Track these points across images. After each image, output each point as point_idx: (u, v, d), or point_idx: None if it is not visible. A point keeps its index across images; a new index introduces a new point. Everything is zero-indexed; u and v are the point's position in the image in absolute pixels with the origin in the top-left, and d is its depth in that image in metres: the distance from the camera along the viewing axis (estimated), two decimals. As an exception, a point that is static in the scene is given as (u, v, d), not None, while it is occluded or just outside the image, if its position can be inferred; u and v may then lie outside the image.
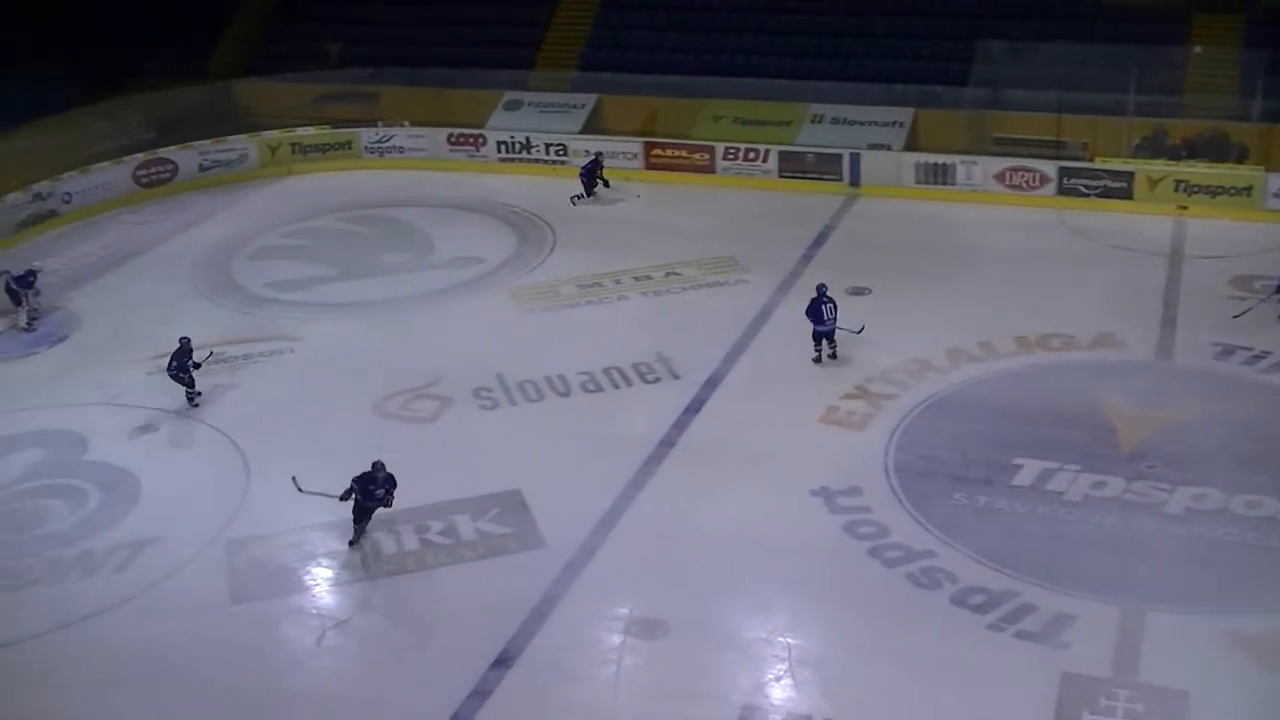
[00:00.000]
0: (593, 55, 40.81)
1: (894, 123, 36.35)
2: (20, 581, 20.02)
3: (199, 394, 24.85)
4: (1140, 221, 32.28)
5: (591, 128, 38.57)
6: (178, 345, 24.66)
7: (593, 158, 35.73)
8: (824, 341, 25.39)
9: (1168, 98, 35.17)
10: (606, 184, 35.30)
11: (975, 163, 34.58)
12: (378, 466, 20.06)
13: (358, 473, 20.12)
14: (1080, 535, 20.03)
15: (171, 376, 24.59)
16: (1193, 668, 17.08)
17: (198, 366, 24.79)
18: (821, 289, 25.51)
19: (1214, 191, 32.92)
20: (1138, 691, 16.68)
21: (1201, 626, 17.94)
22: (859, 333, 25.50)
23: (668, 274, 30.01)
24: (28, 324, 28.83)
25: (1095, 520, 20.40)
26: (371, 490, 20.00)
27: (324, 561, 20.11)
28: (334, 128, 39.93)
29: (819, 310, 25.23)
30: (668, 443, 22.88)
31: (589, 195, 35.08)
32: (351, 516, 20.22)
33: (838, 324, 25.24)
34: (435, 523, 20.71)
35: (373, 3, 43.37)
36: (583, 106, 39.11)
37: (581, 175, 35.28)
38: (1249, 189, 32.68)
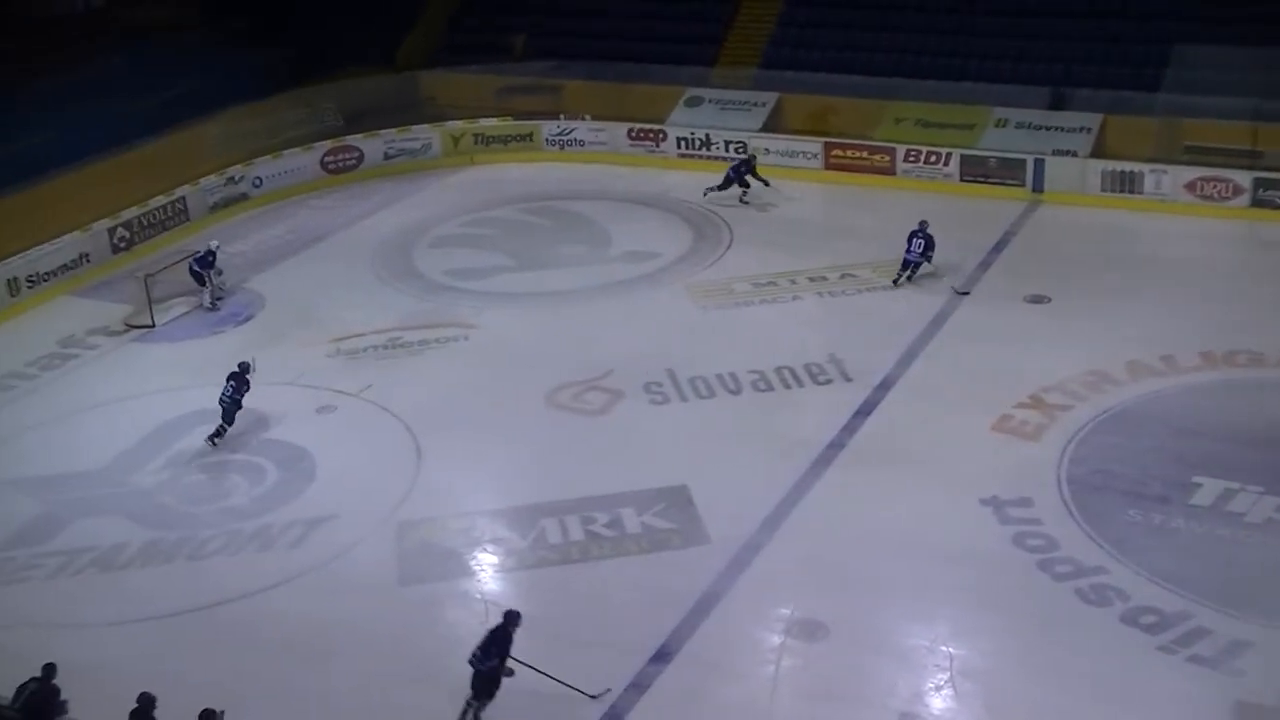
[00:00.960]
0: (775, 53, 40.63)
1: (1081, 128, 35.54)
2: (202, 553, 20.69)
3: (223, 431, 23.74)
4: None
5: (772, 126, 38.44)
6: (236, 369, 24.02)
7: (745, 156, 35.47)
8: (906, 269, 28.70)
9: None
10: (766, 183, 34.87)
11: (1165, 171, 33.62)
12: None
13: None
14: (1260, 559, 19.39)
15: (220, 403, 23.78)
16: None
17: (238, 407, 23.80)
18: (922, 224, 28.96)
19: None
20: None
21: (1387, 660, 17.29)
22: (962, 293, 27.88)
23: (843, 275, 29.79)
24: (212, 304, 29.74)
25: (1277, 545, 19.73)
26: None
27: (490, 547, 20.40)
28: (516, 119, 40.45)
29: (909, 240, 28.72)
30: (837, 445, 22.72)
31: (744, 191, 34.75)
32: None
33: (922, 258, 28.77)
34: (601, 514, 20.86)
35: (560, -3, 43.89)
36: (764, 105, 38.97)
37: (730, 171, 34.83)
38: None
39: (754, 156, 35.44)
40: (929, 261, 28.97)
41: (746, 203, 34.64)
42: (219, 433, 23.63)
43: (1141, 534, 19.99)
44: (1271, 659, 17.23)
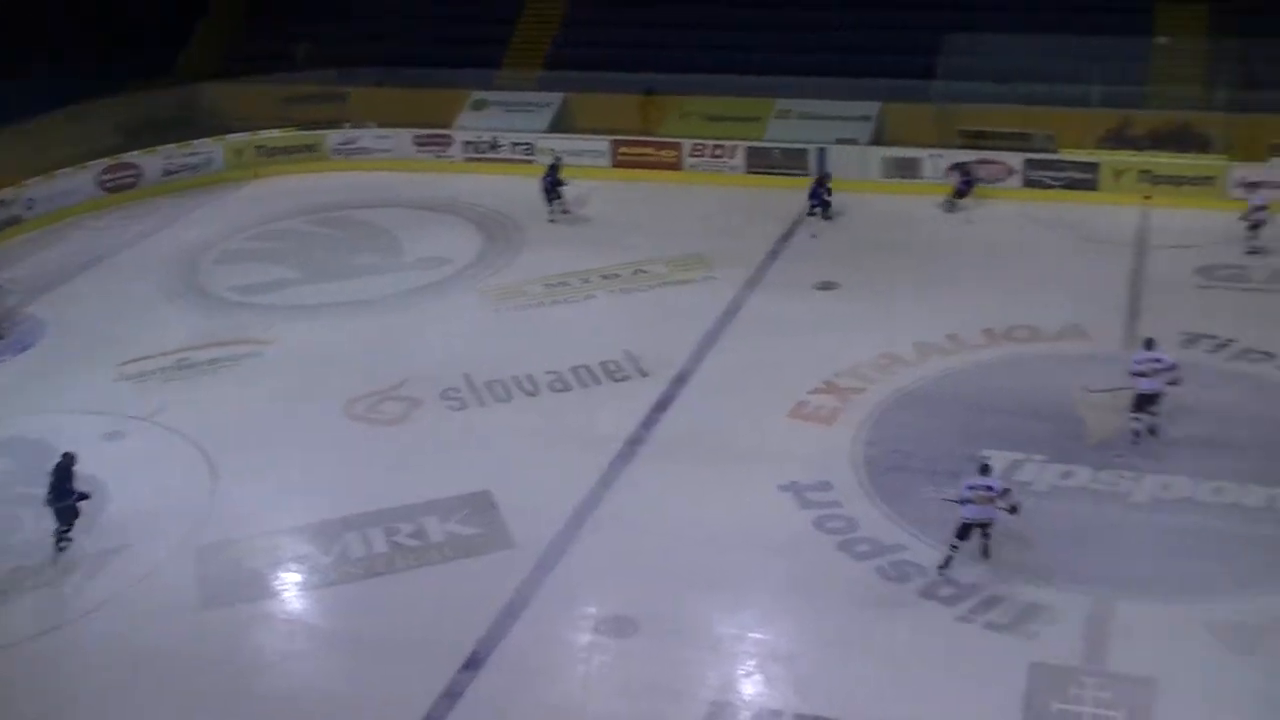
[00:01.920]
0: (560, 54, 40.76)
1: (861, 117, 36.45)
2: (-11, 591, 19.93)
3: (68, 538, 20.41)
4: (1105, 213, 32.42)
5: (559, 126, 38.56)
6: (58, 461, 20.51)
7: (551, 163, 34.73)
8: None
9: (1132, 88, 35.47)
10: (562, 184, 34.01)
11: (941, 156, 34.70)
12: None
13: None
14: (1048, 526, 20.07)
15: (48, 504, 20.34)
16: (1161, 655, 17.13)
17: (83, 498, 20.50)
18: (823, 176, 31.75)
19: (1178, 182, 33.14)
20: (1106, 680, 16.73)
21: (1169, 614, 18.00)
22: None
23: (636, 272, 30.03)
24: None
25: (1063, 510, 20.49)
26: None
27: (293, 566, 20.01)
28: (301, 130, 39.85)
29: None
30: (636, 440, 22.87)
31: (554, 202, 33.91)
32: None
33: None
34: (404, 525, 20.63)
35: (340, 3, 43.23)
36: (550, 105, 39.11)
37: (544, 182, 33.99)
38: (1212, 179, 32.88)
39: (559, 162, 34.67)
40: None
41: (566, 212, 33.95)
42: (60, 536, 20.40)
43: (937, 510, 20.45)
44: (1061, 619, 17.85)
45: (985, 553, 19.07)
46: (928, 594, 18.55)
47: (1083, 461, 21.60)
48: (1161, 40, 36.33)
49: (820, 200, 32.71)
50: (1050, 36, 35.98)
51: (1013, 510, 18.97)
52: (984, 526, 18.99)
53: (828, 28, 38.72)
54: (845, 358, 25.15)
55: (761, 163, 36.08)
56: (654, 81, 38.10)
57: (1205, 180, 32.97)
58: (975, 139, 35.20)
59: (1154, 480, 21.03)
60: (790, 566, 19.36)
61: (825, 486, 21.19)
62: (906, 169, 34.82)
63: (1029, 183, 34.08)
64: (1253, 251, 29.81)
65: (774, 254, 30.76)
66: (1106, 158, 34.01)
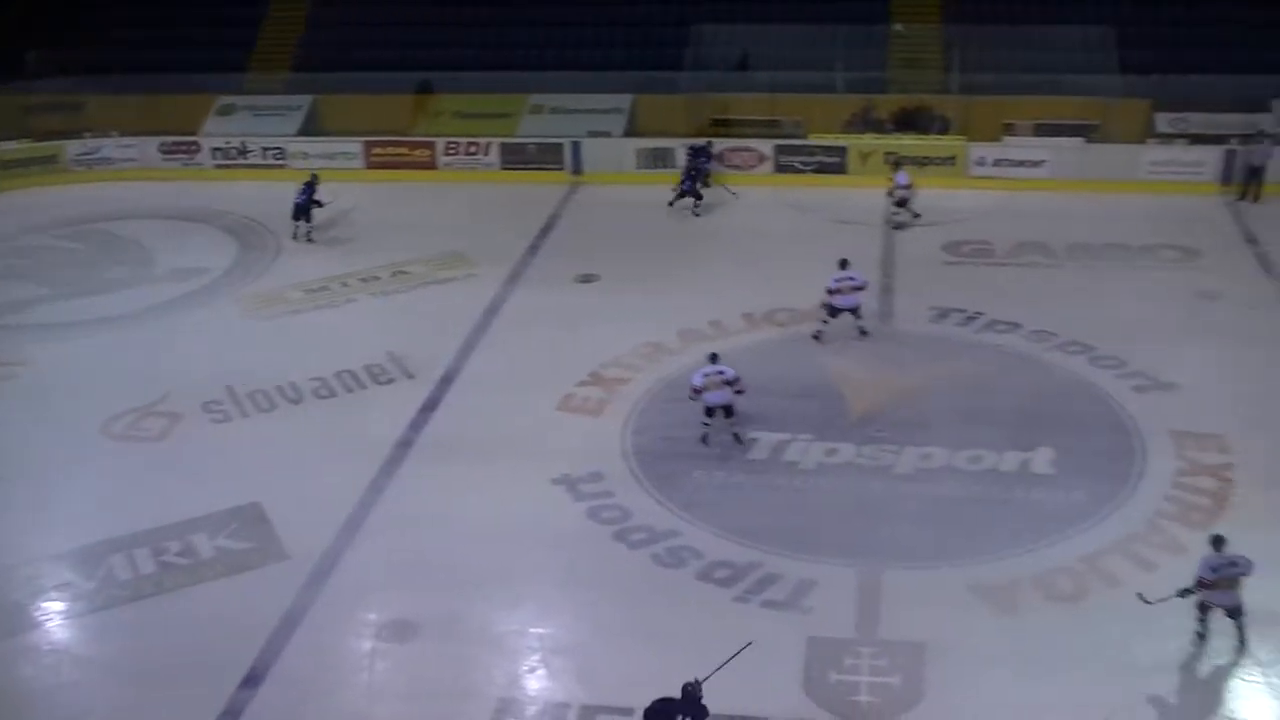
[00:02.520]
0: (307, 55, 40.05)
1: (613, 109, 36.75)
2: None
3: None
4: (855, 194, 33.35)
5: (309, 129, 37.92)
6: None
7: (306, 182, 32.51)
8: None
9: (874, 74, 36.61)
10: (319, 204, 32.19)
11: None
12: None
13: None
14: (817, 502, 20.65)
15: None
16: (931, 620, 17.77)
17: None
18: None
19: (922, 162, 34.25)
20: (880, 648, 17.27)
21: (936, 580, 18.68)
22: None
23: (395, 273, 29.74)
24: None
25: (830, 487, 21.08)
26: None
27: (54, 594, 19.25)
28: (37, 141, 38.31)
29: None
30: (406, 443, 22.68)
31: (301, 223, 32.05)
32: None
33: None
34: (172, 543, 20.06)
35: (74, 7, 41.60)
36: (299, 108, 38.42)
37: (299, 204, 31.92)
38: (953, 158, 34.16)
39: (315, 180, 32.88)
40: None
41: (311, 240, 32.24)
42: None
43: (708, 493, 20.89)
44: (834, 593, 18.37)
45: (738, 439, 21.79)
46: (704, 577, 18.87)
47: (847, 438, 22.22)
48: (898, 27, 37.59)
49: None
50: (794, 26, 36.86)
51: (739, 392, 21.62)
52: (726, 409, 21.67)
53: (579, 23, 38.89)
54: (610, 349, 25.37)
55: (516, 159, 36.08)
56: (412, 80, 37.73)
57: (947, 160, 34.21)
58: (727, 127, 35.83)
59: (914, 452, 21.76)
60: (567, 559, 19.47)
61: (597, 477, 21.35)
62: (660, 159, 35.20)
63: (780, 168, 34.86)
64: (897, 226, 31.44)
65: (533, 249, 30.83)
66: (853, 141, 35.03)
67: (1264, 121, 34.08)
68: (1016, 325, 26.08)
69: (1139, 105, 35.14)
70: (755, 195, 33.75)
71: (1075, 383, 23.99)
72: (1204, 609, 17.19)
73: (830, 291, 25.09)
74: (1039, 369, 24.62)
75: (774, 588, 18.56)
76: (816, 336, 25.37)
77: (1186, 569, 18.01)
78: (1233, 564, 16.94)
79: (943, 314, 26.65)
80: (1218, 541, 17.28)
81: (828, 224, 31.40)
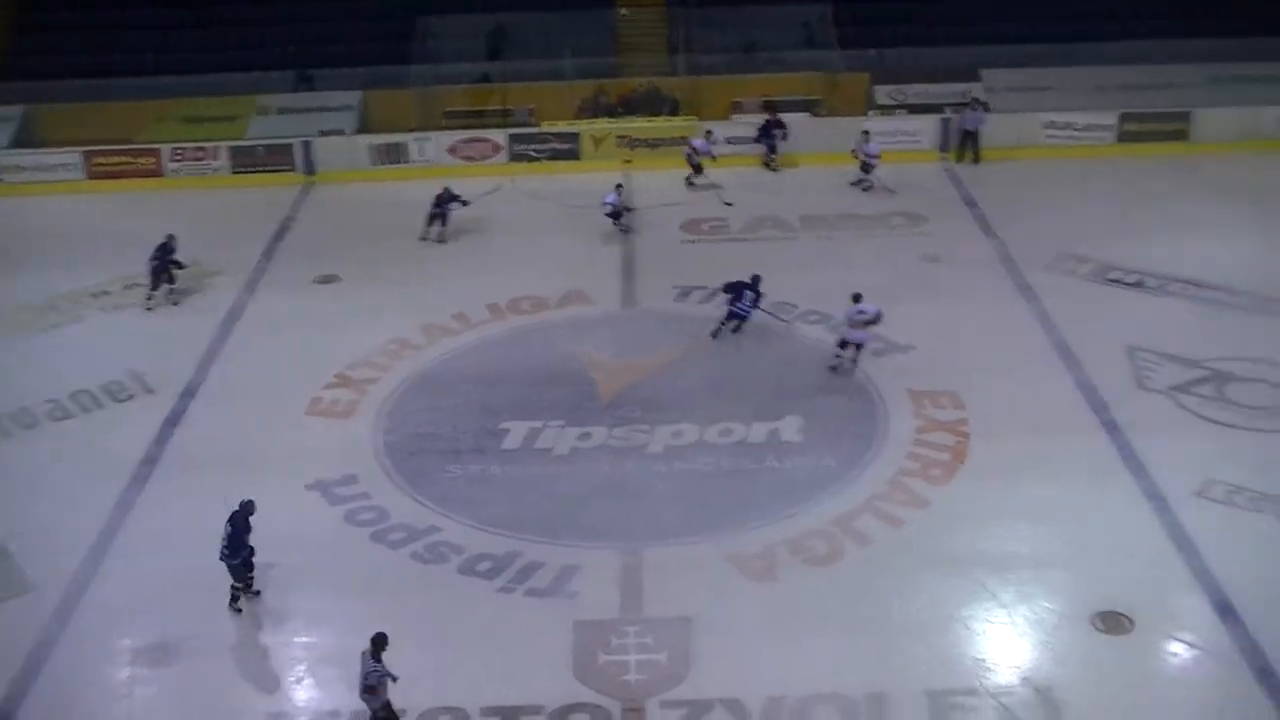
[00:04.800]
0: (17, 64, 38.15)
1: (344, 107, 36.18)
2: None
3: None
4: (591, 179, 33.49)
5: (22, 141, 36.21)
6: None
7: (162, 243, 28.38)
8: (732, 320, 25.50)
9: (602, 59, 36.89)
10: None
11: (428, 139, 34.94)
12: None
13: None
14: (574, 488, 20.78)
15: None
16: (693, 593, 18.13)
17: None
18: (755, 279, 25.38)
19: (654, 144, 34.66)
20: (646, 625, 17.53)
21: (696, 554, 19.04)
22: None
23: (127, 286, 28.53)
24: None
25: (586, 471, 21.24)
26: None
27: None
28: None
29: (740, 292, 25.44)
30: (151, 460, 21.97)
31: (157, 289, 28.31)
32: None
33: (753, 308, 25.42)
34: (-96, 585, 19.10)
35: None
36: (9, 120, 36.59)
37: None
38: (684, 138, 34.56)
39: (172, 241, 28.49)
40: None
41: (176, 303, 28.33)
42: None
43: (464, 487, 20.83)
44: (596, 575, 18.60)
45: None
46: (467, 571, 18.85)
47: (598, 421, 22.41)
48: (624, 12, 37.96)
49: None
50: (522, 14, 36.87)
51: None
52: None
53: (309, 19, 38.06)
54: (355, 349, 25.03)
55: (246, 162, 35.15)
56: (127, 87, 36.35)
57: (679, 141, 34.66)
58: (459, 119, 35.68)
59: (666, 430, 22.07)
60: (328, 565, 19.19)
61: (351, 480, 21.09)
62: (395, 155, 34.81)
63: (515, 157, 34.82)
64: (867, 188, 32.43)
65: (269, 253, 30.14)
66: (585, 127, 35.23)
67: (976, 89, 35.58)
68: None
69: (859, 79, 36.27)
70: (491, 185, 33.58)
71: (817, 351, 24.63)
72: (843, 345, 23.07)
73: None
74: (781, 339, 25.23)
75: (537, 575, 18.65)
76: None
77: (931, 522, 18.86)
78: (861, 312, 23.18)
79: (685, 292, 27.06)
80: (857, 298, 23.49)
81: (566, 210, 31.48)
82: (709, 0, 37.45)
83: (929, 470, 20.92)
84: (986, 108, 34.75)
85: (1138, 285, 27.07)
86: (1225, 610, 17.54)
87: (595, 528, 19.71)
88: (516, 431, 22.12)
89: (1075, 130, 35.06)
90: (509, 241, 30.03)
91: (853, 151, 32.68)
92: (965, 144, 34.37)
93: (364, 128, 35.88)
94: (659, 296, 27.09)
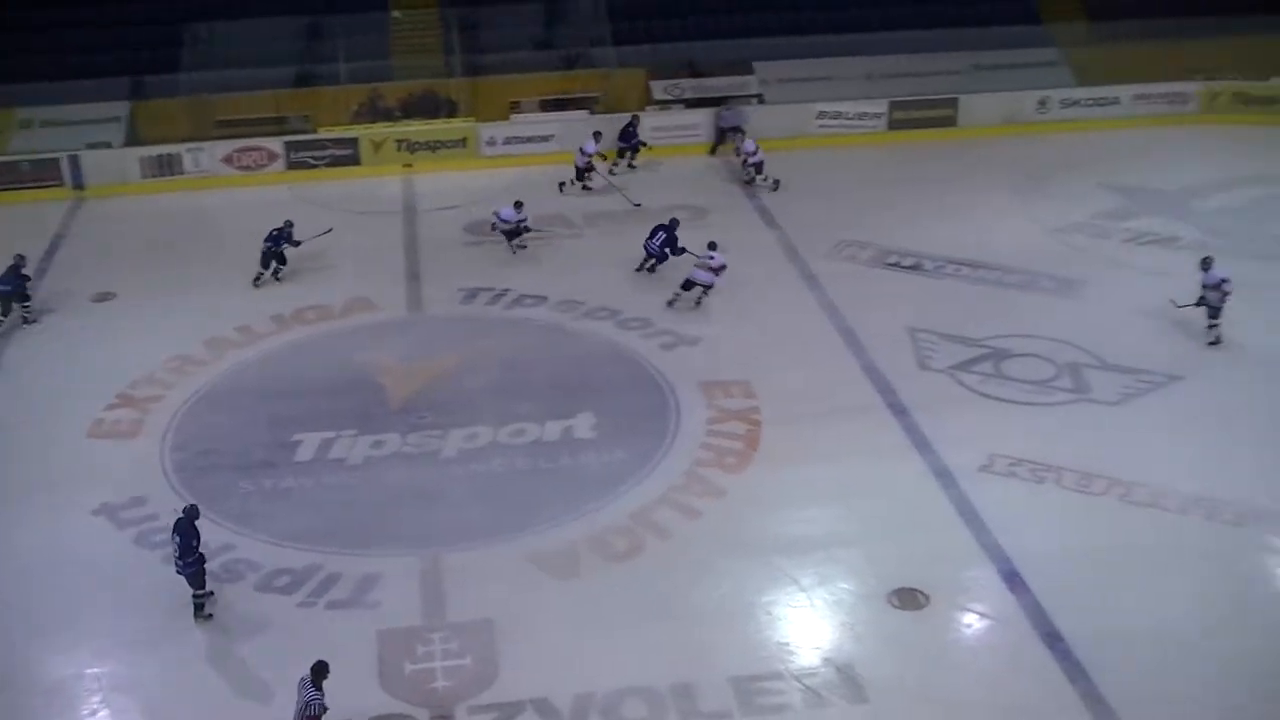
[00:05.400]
0: None
1: (111, 118, 35.05)
2: None
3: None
4: (371, 185, 33.23)
5: None
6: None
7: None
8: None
9: (379, 62, 36.51)
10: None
11: (202, 149, 34.09)
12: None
13: None
14: (370, 497, 20.57)
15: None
16: (496, 596, 18.12)
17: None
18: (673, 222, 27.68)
19: (434, 147, 34.47)
20: (450, 631, 17.45)
21: (497, 556, 19.04)
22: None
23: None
24: None
25: (381, 479, 21.04)
26: None
27: None
28: None
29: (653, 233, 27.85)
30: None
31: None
32: None
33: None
34: None
35: None
36: None
37: None
38: (464, 140, 34.51)
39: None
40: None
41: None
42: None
43: (258, 502, 20.43)
44: (398, 584, 18.45)
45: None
46: (265, 588, 18.51)
47: (391, 429, 22.23)
48: (397, 14, 37.60)
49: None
50: (293, 19, 36.26)
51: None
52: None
53: (63, 25, 36.74)
54: (137, 367, 24.33)
55: (9, 178, 33.68)
56: None
57: (458, 143, 34.53)
58: (234, 127, 34.90)
59: (459, 434, 21.99)
60: (118, 592, 18.59)
61: (140, 502, 20.48)
62: (168, 166, 33.89)
63: (293, 165, 34.21)
64: (750, 182, 32.65)
65: (41, 273, 28.91)
66: (363, 132, 34.79)
67: (750, 82, 36.23)
68: (544, 298, 26.73)
69: (635, 75, 36.59)
70: (270, 194, 32.91)
71: (606, 347, 24.82)
72: (686, 285, 25.76)
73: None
74: (571, 337, 25.34)
75: (337, 587, 18.41)
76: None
77: (729, 511, 19.17)
78: (711, 257, 25.96)
79: (471, 294, 26.98)
80: (712, 245, 26.19)
81: (348, 216, 31.02)
82: (483, 0, 37.37)
83: (723, 460, 21.24)
84: (747, 102, 35.72)
85: (915, 268, 27.92)
86: (1013, 579, 18.23)
87: (394, 535, 19.54)
88: (309, 443, 21.79)
89: (847, 119, 36.02)
90: (293, 251, 29.43)
91: (735, 151, 33.04)
92: (724, 139, 35.02)
93: (133, 139, 34.82)
94: (445, 300, 26.96)
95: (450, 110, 35.94)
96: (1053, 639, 17.14)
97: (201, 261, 29.03)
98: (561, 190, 32.33)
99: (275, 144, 34.26)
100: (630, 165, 34.03)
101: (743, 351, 24.43)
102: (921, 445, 21.44)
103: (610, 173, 33.14)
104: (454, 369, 24.18)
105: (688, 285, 26.04)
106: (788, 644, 17.29)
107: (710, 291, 26.10)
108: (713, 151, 35.07)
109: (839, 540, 19.21)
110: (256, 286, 27.62)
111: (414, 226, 30.64)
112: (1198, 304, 24.09)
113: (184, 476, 21.20)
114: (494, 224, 28.87)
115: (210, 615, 18.03)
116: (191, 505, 18.27)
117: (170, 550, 17.96)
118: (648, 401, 23.06)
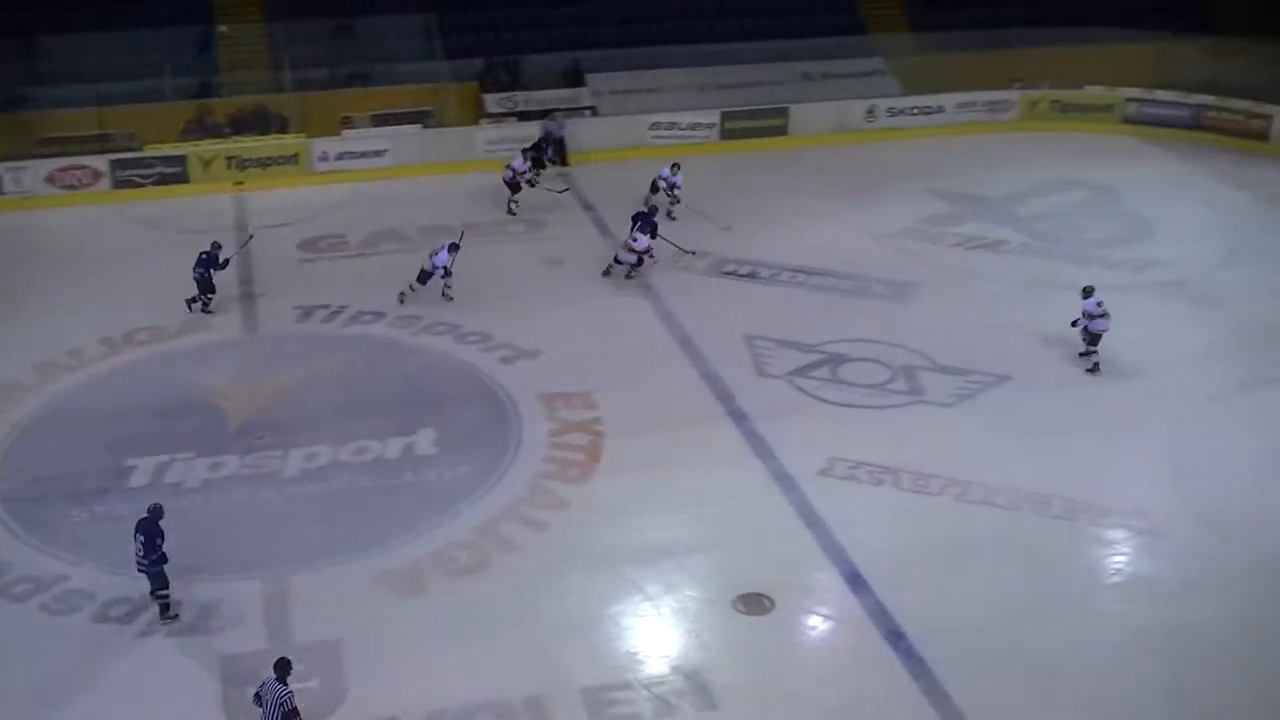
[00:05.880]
0: None
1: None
2: None
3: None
4: (201, 203, 32.64)
5: None
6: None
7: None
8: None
9: (206, 78, 35.92)
10: None
11: (23, 168, 33.15)
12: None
13: None
14: (208, 520, 20.16)
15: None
16: (342, 616, 17.91)
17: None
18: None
19: (265, 163, 34.03)
20: (297, 655, 17.07)
21: (342, 576, 18.82)
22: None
23: None
24: None
25: (220, 502, 20.67)
26: None
27: None
28: None
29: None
30: None
31: None
32: None
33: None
34: None
35: None
36: None
37: None
38: (296, 156, 34.12)
39: None
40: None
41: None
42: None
43: (91, 531, 19.89)
44: (241, 608, 18.12)
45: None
46: (101, 618, 18.02)
47: (229, 450, 21.86)
48: (223, 29, 37.02)
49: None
50: (115, 34, 35.43)
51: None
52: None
53: None
54: (-30, 395, 23.64)
55: None
56: None
57: (290, 159, 34.12)
58: (56, 145, 33.98)
59: (299, 454, 21.73)
60: (-53, 627, 18.02)
61: (-35, 534, 19.88)
62: (-14, 185, 32.95)
63: (119, 183, 33.41)
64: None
65: None
66: (191, 149, 34.15)
67: (583, 95, 36.42)
68: (381, 314, 26.53)
69: (468, 89, 36.54)
70: (96, 213, 32.18)
71: (446, 362, 24.73)
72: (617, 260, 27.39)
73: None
74: (409, 353, 25.19)
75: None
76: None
77: (573, 522, 19.21)
78: (635, 240, 27.30)
79: (307, 312, 26.67)
80: (637, 226, 27.53)
81: (177, 235, 30.38)
82: (309, 14, 36.98)
83: (566, 471, 21.30)
84: (569, 114, 36.05)
85: (751, 276, 28.31)
86: (855, 580, 18.56)
87: (235, 559, 19.17)
88: (144, 468, 21.31)
89: (680, 130, 36.44)
90: (121, 271, 28.81)
91: (656, 181, 31.70)
92: (564, 148, 35.20)
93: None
94: (280, 318, 26.61)
95: (281, 126, 35.50)
96: (895, 637, 17.49)
97: (26, 285, 28.18)
98: (511, 212, 31.97)
99: (100, 162, 33.45)
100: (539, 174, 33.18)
101: (583, 363, 24.51)
102: (762, 451, 21.73)
103: (530, 184, 32.34)
104: (292, 388, 23.88)
105: (618, 261, 27.90)
106: (636, 653, 17.40)
107: (638, 269, 27.98)
108: (564, 162, 35.02)
109: (684, 548, 19.37)
110: (191, 311, 26.71)
111: (247, 244, 30.14)
112: (1074, 324, 24.40)
113: (12, 506, 20.55)
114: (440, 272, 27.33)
115: (176, 616, 17.81)
116: (156, 504, 18.00)
117: (134, 549, 17.68)
118: (489, 415, 23.02)
